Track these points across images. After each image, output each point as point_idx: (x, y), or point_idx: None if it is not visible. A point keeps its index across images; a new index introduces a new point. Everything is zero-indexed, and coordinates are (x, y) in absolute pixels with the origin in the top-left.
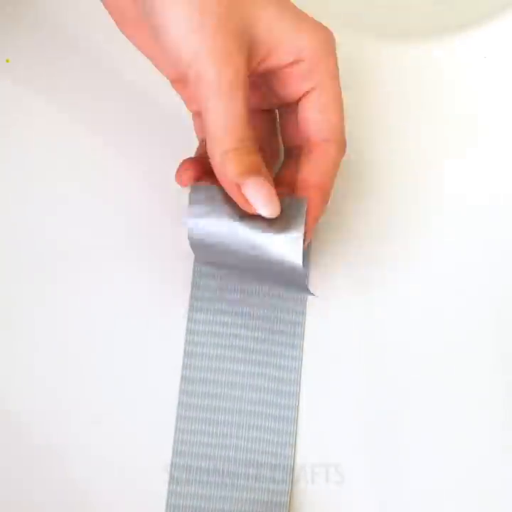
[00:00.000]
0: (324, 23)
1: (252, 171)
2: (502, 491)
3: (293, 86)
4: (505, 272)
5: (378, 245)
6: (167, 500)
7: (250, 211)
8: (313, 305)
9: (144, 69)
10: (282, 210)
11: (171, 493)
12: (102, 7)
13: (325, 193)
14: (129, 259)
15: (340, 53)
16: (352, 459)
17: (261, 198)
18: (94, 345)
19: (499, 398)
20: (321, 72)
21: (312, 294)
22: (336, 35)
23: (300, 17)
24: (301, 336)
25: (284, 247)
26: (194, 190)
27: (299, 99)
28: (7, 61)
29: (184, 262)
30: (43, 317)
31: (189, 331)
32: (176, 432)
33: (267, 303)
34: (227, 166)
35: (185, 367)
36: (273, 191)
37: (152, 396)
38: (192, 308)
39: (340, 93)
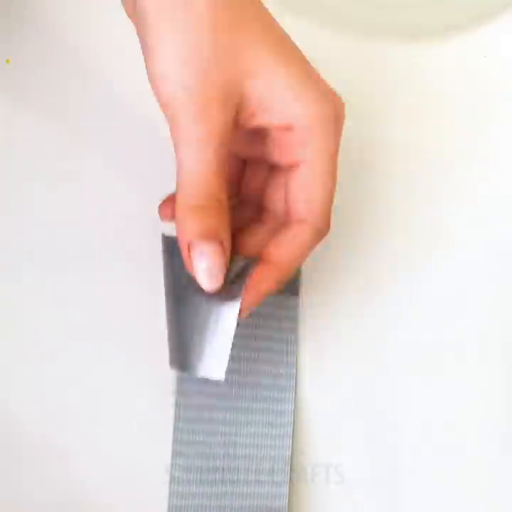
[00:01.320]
0: (323, 23)
1: (207, 236)
2: (502, 492)
3: (283, 152)
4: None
5: (376, 261)
6: (169, 501)
7: (193, 274)
8: (311, 302)
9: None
10: (230, 268)
11: (172, 494)
12: (103, 8)
13: (283, 274)
14: (123, 264)
15: (340, 53)
16: (352, 459)
17: (204, 269)
18: (92, 347)
19: (502, 400)
20: (312, 147)
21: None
22: (335, 36)
23: (304, 80)
24: (296, 331)
25: (220, 311)
26: (163, 239)
27: (289, 166)
28: (7, 61)
29: None
30: (42, 318)
31: None
32: (174, 433)
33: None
34: (186, 222)
35: None
36: (220, 265)
37: (150, 398)
38: None
39: (332, 173)
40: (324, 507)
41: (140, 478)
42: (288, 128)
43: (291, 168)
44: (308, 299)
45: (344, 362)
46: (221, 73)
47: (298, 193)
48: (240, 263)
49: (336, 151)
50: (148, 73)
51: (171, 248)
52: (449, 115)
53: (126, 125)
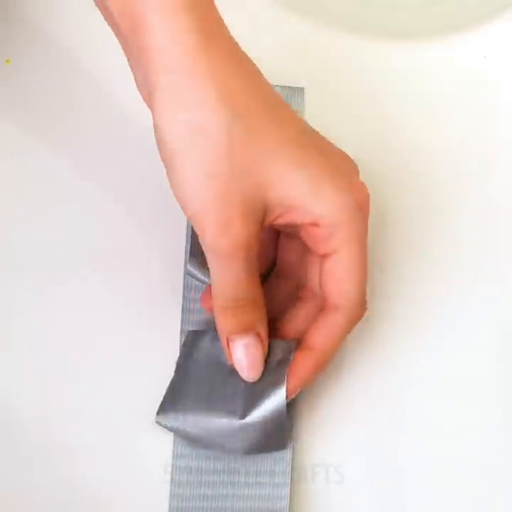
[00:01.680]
0: (327, 24)
1: (244, 331)
2: (502, 493)
3: (313, 242)
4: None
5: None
6: (169, 503)
7: (233, 364)
8: None
9: None
10: (271, 354)
11: (173, 496)
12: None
13: (323, 359)
14: (124, 264)
15: (341, 54)
16: (352, 459)
17: (243, 361)
18: (95, 347)
19: (498, 401)
20: (339, 240)
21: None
22: (338, 36)
23: (323, 177)
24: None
25: (267, 402)
26: (189, 333)
27: (321, 254)
28: (7, 62)
29: (174, 270)
30: (43, 318)
31: (183, 332)
32: (175, 434)
33: None
34: (221, 319)
35: None
36: (258, 356)
37: (152, 400)
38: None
39: (361, 260)
40: (324, 507)
41: (141, 480)
42: (314, 224)
43: (323, 255)
44: None
45: (344, 362)
46: (240, 193)
47: (330, 281)
48: (280, 346)
49: (364, 238)
50: (173, 191)
51: (198, 339)
52: (448, 115)
53: (128, 124)
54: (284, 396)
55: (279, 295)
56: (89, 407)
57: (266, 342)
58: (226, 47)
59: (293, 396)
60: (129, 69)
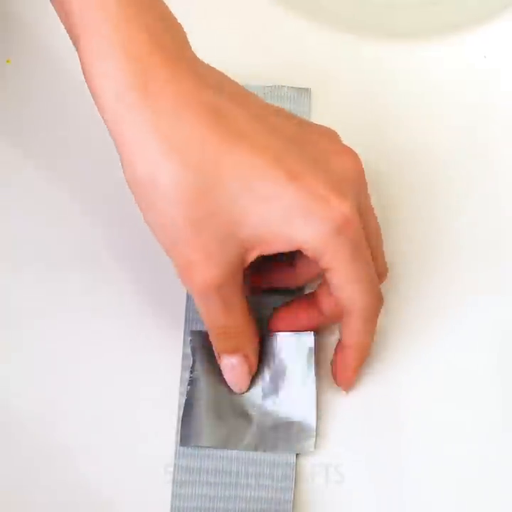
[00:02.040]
0: (324, 23)
1: (231, 352)
2: (501, 493)
3: (306, 265)
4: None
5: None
6: (171, 503)
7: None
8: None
9: None
10: (282, 351)
11: (174, 496)
12: None
13: (357, 354)
14: (123, 265)
15: (340, 53)
16: (352, 459)
17: (229, 377)
18: (96, 347)
19: (497, 401)
20: (328, 261)
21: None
22: (335, 36)
23: (292, 210)
24: None
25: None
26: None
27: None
28: (7, 62)
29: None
30: (42, 318)
31: (188, 320)
32: (177, 434)
33: None
34: (212, 341)
35: (184, 369)
36: (243, 374)
37: (154, 399)
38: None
39: (358, 271)
40: (324, 507)
41: (142, 479)
42: (299, 249)
43: (322, 269)
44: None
45: None
46: (202, 237)
47: (335, 291)
48: (290, 339)
49: (352, 254)
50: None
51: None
52: (449, 115)
53: None
54: (314, 395)
55: (306, 273)
56: (89, 407)
57: (254, 361)
58: (170, 72)
59: (348, 390)
60: None
